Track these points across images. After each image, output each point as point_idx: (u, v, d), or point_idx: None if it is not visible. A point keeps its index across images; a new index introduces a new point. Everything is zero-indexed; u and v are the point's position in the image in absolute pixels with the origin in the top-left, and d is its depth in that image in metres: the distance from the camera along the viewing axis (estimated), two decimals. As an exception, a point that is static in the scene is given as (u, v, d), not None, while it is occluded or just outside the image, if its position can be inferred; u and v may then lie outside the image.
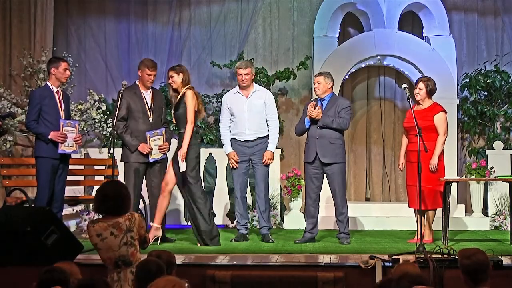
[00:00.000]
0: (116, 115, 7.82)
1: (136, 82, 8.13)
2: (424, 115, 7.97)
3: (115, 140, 8.04)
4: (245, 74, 8.17)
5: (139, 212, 8.15)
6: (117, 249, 5.11)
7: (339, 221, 8.06)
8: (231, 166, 8.24)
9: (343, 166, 8.07)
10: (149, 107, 8.03)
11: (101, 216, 5.29)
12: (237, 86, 8.34)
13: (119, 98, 7.76)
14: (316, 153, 8.00)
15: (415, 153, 7.44)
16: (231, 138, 8.23)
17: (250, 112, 8.18)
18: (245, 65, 8.25)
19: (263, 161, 8.16)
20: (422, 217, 7.81)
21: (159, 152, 7.96)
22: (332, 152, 7.99)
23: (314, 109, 7.96)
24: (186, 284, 3.94)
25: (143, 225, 5.36)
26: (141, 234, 5.28)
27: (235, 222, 8.59)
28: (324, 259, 6.84)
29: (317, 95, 8.12)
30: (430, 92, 8.07)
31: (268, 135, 8.22)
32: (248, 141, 8.17)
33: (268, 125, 8.23)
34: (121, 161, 8.10)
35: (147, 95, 8.06)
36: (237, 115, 8.19)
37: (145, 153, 7.89)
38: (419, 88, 8.04)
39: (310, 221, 8.08)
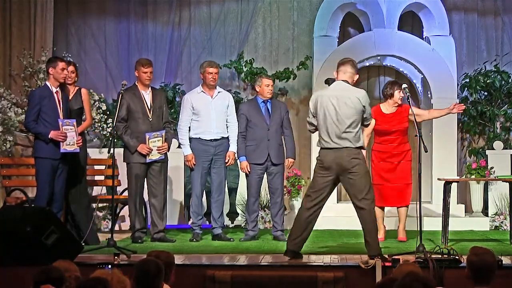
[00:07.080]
0: (116, 116, 7.83)
1: (135, 83, 8.15)
2: (400, 119, 8.16)
3: (115, 140, 8.04)
4: (215, 73, 8.24)
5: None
6: None
7: (280, 219, 8.27)
8: (190, 167, 8.26)
9: None
10: (149, 107, 8.04)
11: None
12: (200, 86, 8.36)
13: (119, 99, 7.76)
14: (268, 155, 8.19)
15: (395, 156, 8.13)
16: (193, 138, 8.24)
17: (216, 112, 8.24)
18: (215, 65, 8.34)
19: (227, 161, 8.27)
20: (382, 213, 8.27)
21: (158, 153, 7.97)
22: (282, 153, 8.33)
23: None
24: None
25: None
26: None
27: (190, 221, 8.55)
28: (324, 259, 6.85)
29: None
30: None
31: (228, 136, 8.30)
32: (213, 140, 8.21)
33: (227, 126, 8.30)
34: (123, 161, 8.14)
35: (147, 95, 8.07)
36: (203, 115, 8.21)
37: (144, 153, 7.91)
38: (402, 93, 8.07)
39: (253, 217, 8.32)
